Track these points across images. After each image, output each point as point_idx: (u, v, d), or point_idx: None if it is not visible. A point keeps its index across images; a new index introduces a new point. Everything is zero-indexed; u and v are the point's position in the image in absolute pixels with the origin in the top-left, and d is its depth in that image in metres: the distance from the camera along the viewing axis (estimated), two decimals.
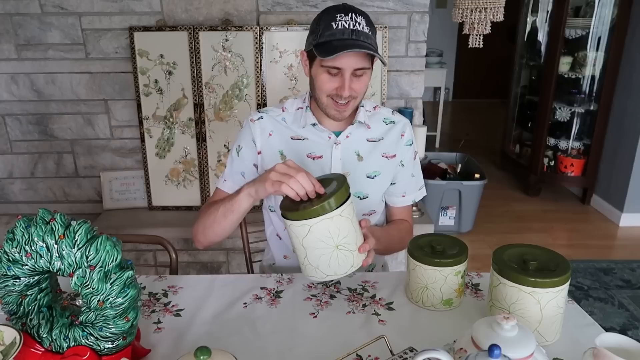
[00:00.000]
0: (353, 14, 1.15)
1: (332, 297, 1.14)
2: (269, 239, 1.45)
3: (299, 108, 1.33)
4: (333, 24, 1.14)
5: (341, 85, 1.18)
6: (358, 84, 1.19)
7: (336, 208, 0.96)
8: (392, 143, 1.35)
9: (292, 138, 1.31)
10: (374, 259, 1.43)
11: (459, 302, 1.10)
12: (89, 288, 0.82)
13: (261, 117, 1.33)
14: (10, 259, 0.83)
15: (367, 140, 1.33)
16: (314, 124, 1.29)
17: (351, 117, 1.31)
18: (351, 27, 1.14)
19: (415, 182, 1.41)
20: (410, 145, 1.37)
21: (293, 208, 1.00)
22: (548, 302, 0.93)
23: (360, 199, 1.34)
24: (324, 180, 1.06)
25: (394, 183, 1.38)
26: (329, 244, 0.98)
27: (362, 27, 1.15)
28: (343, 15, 1.15)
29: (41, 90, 2.44)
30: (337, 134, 1.30)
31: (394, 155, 1.35)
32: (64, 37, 2.36)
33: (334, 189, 0.99)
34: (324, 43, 1.14)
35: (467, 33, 1.49)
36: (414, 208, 2.49)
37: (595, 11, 3.41)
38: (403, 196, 1.40)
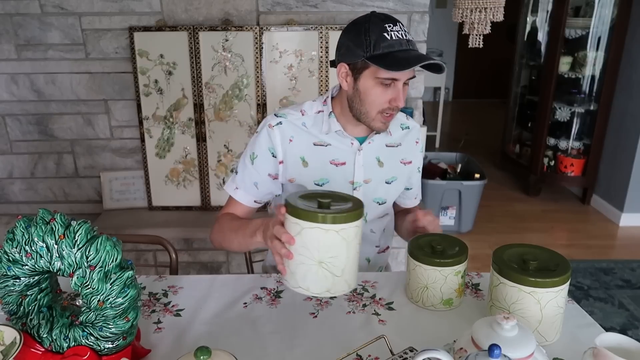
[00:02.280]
0: (399, 24, 1.15)
1: (332, 297, 1.14)
2: None
3: (319, 111, 1.28)
4: (386, 34, 1.11)
5: (395, 97, 1.16)
6: (405, 94, 1.19)
7: (335, 224, 0.91)
8: (409, 149, 1.37)
9: (314, 144, 1.28)
10: (378, 260, 1.44)
11: (459, 302, 1.10)
12: (89, 288, 0.82)
13: (280, 123, 1.26)
14: (10, 259, 0.83)
15: (386, 145, 1.33)
16: (337, 131, 1.26)
17: None
18: (404, 37, 1.13)
19: (419, 183, 1.49)
20: (422, 151, 1.42)
21: (296, 203, 0.95)
22: (548, 302, 0.93)
23: (379, 204, 1.35)
24: (340, 198, 1.01)
25: (410, 188, 1.43)
26: (313, 255, 0.92)
27: (410, 36, 1.15)
28: (392, 25, 1.13)
29: (41, 90, 2.44)
30: (359, 140, 1.29)
31: (410, 162, 1.37)
32: (64, 37, 2.36)
33: (345, 207, 0.95)
34: (385, 55, 1.11)
35: (467, 33, 1.49)
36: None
37: (595, 11, 3.41)
38: (415, 198, 1.48)
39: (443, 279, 1.06)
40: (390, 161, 1.33)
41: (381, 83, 1.15)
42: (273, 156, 1.27)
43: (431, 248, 1.09)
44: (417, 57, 1.11)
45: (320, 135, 1.27)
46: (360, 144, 1.29)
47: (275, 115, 1.28)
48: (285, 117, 1.27)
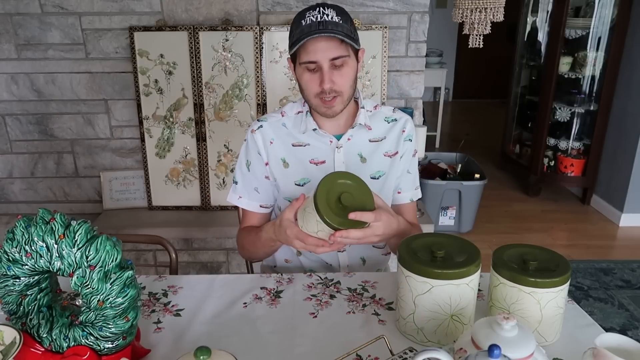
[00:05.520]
0: (321, 8, 1.16)
1: (332, 297, 1.14)
2: None
3: (299, 112, 1.32)
4: (302, 21, 1.15)
5: (322, 80, 1.17)
6: (339, 77, 1.18)
7: (465, 277, 0.92)
8: (393, 141, 1.34)
9: (293, 145, 1.30)
10: (380, 262, 1.43)
11: None
12: (89, 288, 0.82)
13: (261, 126, 1.31)
14: (10, 258, 0.83)
15: (370, 141, 1.32)
16: (314, 129, 1.28)
17: (351, 119, 1.30)
18: (318, 19, 1.14)
19: (412, 180, 1.39)
20: (410, 140, 1.35)
21: (416, 260, 0.94)
22: (548, 302, 0.93)
23: None
24: (449, 242, 1.00)
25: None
26: (445, 310, 0.92)
27: (331, 18, 1.15)
28: (311, 11, 1.16)
29: (41, 90, 2.44)
30: (338, 137, 1.30)
31: (396, 153, 1.34)
32: (64, 37, 2.36)
33: (466, 257, 0.94)
34: (295, 41, 1.16)
35: (467, 33, 1.49)
36: None
37: (595, 11, 3.41)
38: (399, 193, 1.38)
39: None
40: (374, 156, 1.32)
41: (307, 69, 1.18)
42: (262, 158, 1.31)
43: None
44: (308, 35, 1.13)
45: (299, 136, 1.30)
46: (339, 141, 1.29)
47: (257, 120, 1.34)
48: (265, 121, 1.33)
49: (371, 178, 1.31)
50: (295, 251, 1.38)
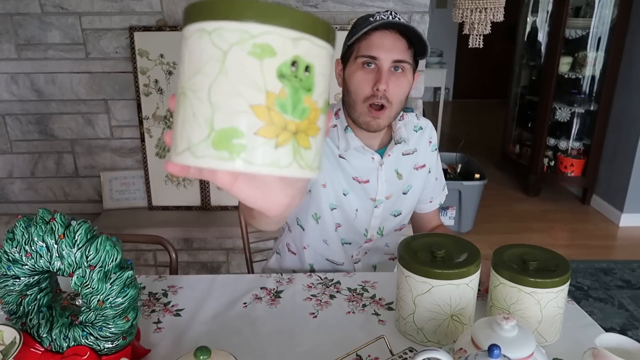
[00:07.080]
0: (391, 11, 1.13)
1: (332, 297, 1.14)
2: (282, 248, 1.40)
3: (334, 126, 1.21)
4: (371, 18, 1.09)
5: (378, 79, 1.06)
6: (395, 85, 1.08)
7: (466, 277, 0.91)
8: (422, 153, 1.28)
9: (340, 156, 1.20)
10: (388, 267, 1.42)
11: None
12: (88, 288, 0.82)
13: None
14: (10, 258, 0.83)
15: (403, 154, 1.25)
16: (357, 147, 1.18)
17: (388, 133, 1.23)
18: (390, 18, 1.09)
19: (439, 184, 1.37)
20: (435, 149, 1.32)
21: (416, 260, 0.94)
22: (548, 302, 0.93)
23: (395, 216, 1.29)
24: (450, 242, 1.00)
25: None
26: (445, 310, 0.92)
27: (401, 20, 1.12)
28: (381, 13, 1.12)
29: (41, 90, 2.44)
30: (379, 152, 1.21)
31: (424, 165, 1.29)
32: (64, 37, 2.36)
33: (467, 258, 0.94)
34: (364, 34, 1.09)
35: (467, 33, 1.49)
36: None
37: (595, 11, 3.41)
38: (430, 202, 1.37)
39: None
40: (406, 170, 1.26)
41: (363, 65, 1.08)
42: None
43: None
44: (384, 21, 1.06)
45: (337, 152, 1.20)
46: (382, 158, 1.21)
47: None
48: None
49: (402, 193, 1.27)
50: (309, 266, 1.37)
